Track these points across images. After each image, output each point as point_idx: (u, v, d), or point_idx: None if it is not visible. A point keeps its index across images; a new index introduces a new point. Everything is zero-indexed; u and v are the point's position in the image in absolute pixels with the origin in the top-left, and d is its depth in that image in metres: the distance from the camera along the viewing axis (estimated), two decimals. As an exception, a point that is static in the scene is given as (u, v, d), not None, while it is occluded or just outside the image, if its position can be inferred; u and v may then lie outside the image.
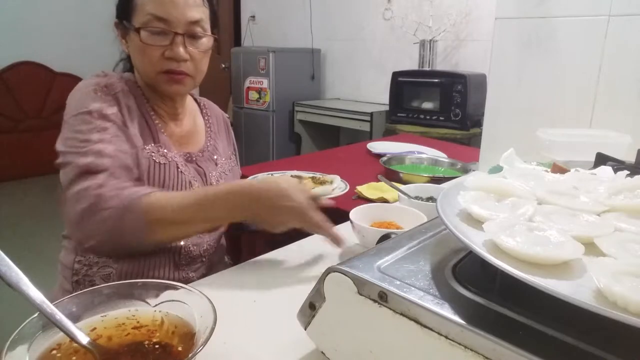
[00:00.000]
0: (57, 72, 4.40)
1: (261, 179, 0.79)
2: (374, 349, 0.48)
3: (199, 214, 0.81)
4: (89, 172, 0.80)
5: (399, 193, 1.08)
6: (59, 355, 0.47)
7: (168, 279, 0.91)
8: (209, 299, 0.52)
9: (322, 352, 0.54)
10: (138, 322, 0.53)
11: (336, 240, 0.84)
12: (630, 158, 0.81)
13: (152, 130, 0.95)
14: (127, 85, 0.96)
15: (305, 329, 0.55)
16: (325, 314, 0.52)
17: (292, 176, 1.16)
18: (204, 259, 1.02)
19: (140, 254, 0.92)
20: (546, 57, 1.25)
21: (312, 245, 0.95)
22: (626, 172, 0.62)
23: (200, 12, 0.93)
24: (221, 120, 1.17)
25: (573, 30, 1.19)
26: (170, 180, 0.93)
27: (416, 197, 1.06)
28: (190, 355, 0.45)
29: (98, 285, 0.53)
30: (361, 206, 0.97)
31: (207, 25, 0.96)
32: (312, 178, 1.16)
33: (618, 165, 0.75)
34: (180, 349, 0.50)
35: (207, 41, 0.96)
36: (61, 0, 4.25)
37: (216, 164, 1.06)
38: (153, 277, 0.90)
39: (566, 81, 1.23)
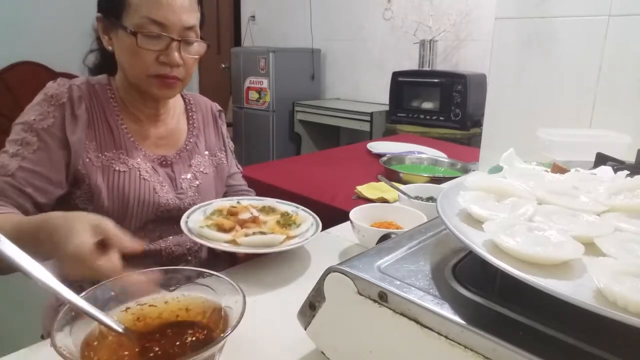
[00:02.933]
0: (57, 72, 4.40)
1: (69, 216, 0.64)
2: (374, 349, 0.48)
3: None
4: None
5: (399, 193, 1.08)
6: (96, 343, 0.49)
7: None
8: (229, 281, 0.54)
9: (322, 352, 0.54)
10: (178, 306, 0.56)
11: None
12: (630, 158, 0.81)
13: (116, 137, 0.94)
14: (91, 90, 0.95)
15: (305, 329, 0.55)
16: (325, 314, 0.52)
17: (264, 207, 0.98)
18: (189, 258, 1.02)
19: (122, 257, 0.91)
20: (546, 57, 1.25)
21: (312, 245, 0.95)
22: (626, 172, 0.62)
23: (194, 18, 0.93)
24: (209, 113, 1.15)
25: (573, 30, 1.19)
26: (131, 188, 0.92)
27: (416, 197, 1.06)
28: (229, 331, 0.47)
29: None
30: (361, 206, 0.97)
31: (199, 31, 0.96)
32: (282, 214, 0.95)
33: (618, 165, 0.75)
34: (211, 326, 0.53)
35: (199, 47, 0.95)
36: (61, 0, 4.24)
37: (190, 165, 1.04)
38: None
39: (566, 81, 1.23)
